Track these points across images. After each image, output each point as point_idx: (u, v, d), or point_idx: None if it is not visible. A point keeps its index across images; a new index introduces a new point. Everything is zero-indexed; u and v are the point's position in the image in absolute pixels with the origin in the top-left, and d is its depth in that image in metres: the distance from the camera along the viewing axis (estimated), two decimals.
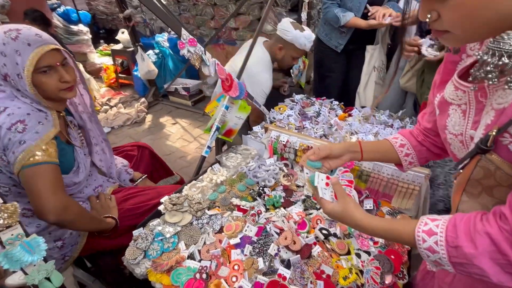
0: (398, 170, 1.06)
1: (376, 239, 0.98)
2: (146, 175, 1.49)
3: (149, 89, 3.90)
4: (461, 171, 0.59)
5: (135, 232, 1.01)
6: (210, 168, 1.28)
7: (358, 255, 0.93)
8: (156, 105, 3.92)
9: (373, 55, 1.89)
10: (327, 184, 0.73)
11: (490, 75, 0.48)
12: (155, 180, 1.59)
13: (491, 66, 0.48)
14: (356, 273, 0.86)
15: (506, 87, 0.48)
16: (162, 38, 4.00)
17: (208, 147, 1.37)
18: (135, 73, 3.80)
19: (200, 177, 1.28)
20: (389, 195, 1.13)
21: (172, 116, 3.68)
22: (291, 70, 2.46)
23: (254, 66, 1.66)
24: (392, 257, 0.91)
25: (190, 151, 2.96)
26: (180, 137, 3.21)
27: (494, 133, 0.50)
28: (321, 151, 0.79)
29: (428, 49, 1.35)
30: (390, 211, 1.09)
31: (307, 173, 0.78)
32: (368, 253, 0.94)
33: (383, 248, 0.96)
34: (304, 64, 2.48)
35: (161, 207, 1.09)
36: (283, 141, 1.32)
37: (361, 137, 1.41)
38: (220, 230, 1.03)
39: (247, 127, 1.68)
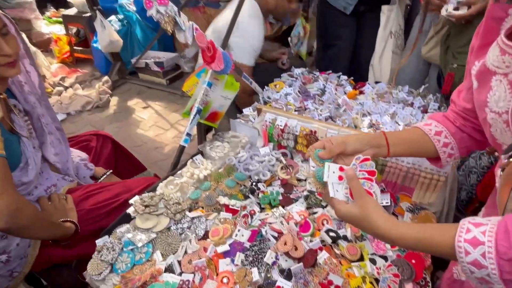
0: (420, 158, 1.06)
1: None
2: (111, 170, 1.46)
3: (112, 65, 3.80)
4: (511, 160, 0.57)
5: (99, 242, 0.99)
6: (190, 160, 1.25)
7: (373, 261, 0.93)
8: (122, 85, 3.84)
9: (389, 18, 1.86)
10: (340, 178, 0.68)
11: None
12: (122, 177, 1.56)
13: None
14: (371, 282, 0.87)
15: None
16: (127, 0, 3.86)
17: (188, 134, 1.34)
18: (95, 45, 3.69)
19: (179, 171, 1.26)
20: (409, 188, 1.13)
21: (143, 98, 3.61)
22: (289, 38, 2.42)
23: (239, 17, 1.61)
24: (413, 261, 0.91)
25: (166, 141, 2.92)
26: (154, 124, 3.16)
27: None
28: (334, 147, 0.75)
29: (449, 7, 1.30)
30: (410, 207, 1.10)
31: (313, 167, 0.74)
32: (385, 258, 0.94)
33: (402, 251, 0.96)
34: (304, 30, 2.43)
35: (130, 210, 1.07)
36: (281, 126, 1.30)
37: (375, 119, 1.40)
38: (205, 236, 1.02)
39: (236, 109, 1.65)
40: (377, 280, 0.88)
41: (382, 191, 1.14)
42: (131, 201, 1.09)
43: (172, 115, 3.28)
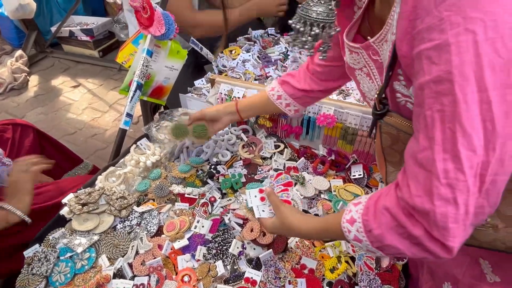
0: None
1: None
2: None
3: (26, 36, 3.47)
4: (375, 140, 0.73)
5: (28, 253, 0.94)
6: (134, 146, 1.20)
7: None
8: (42, 60, 3.57)
9: None
10: (262, 199, 0.88)
11: (307, 46, 0.61)
12: (54, 174, 1.48)
13: (306, 35, 0.61)
14: (346, 261, 0.91)
15: (320, 57, 0.68)
16: None
17: (128, 115, 1.28)
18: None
19: (121, 160, 1.20)
20: None
21: (72, 75, 3.39)
22: None
23: None
24: None
25: (105, 125, 2.80)
26: (88, 106, 3.01)
27: (376, 95, 0.64)
28: (195, 114, 1.11)
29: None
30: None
31: (245, 200, 1.02)
32: None
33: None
34: None
35: (64, 211, 1.02)
36: (239, 98, 1.28)
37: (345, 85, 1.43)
38: (159, 232, 1.00)
39: (189, 79, 1.59)
40: (353, 259, 0.93)
41: (355, 163, 1.18)
42: (64, 200, 1.03)
43: (110, 94, 3.12)
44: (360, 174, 1.13)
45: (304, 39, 0.61)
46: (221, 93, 1.32)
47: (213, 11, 1.67)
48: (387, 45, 0.60)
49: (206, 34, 1.65)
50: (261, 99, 1.08)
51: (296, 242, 0.96)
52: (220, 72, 1.58)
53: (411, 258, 0.83)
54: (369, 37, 0.64)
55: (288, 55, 1.65)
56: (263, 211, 0.86)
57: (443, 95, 0.45)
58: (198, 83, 1.56)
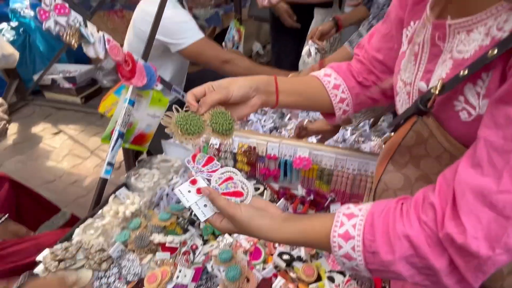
0: (365, 163, 1.15)
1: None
2: (6, 215, 1.33)
3: (8, 85, 3.46)
4: (392, 134, 0.65)
5: None
6: (113, 196, 1.18)
7: (331, 279, 0.97)
8: (23, 107, 3.54)
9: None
10: (198, 191, 0.66)
11: None
12: (30, 225, 1.42)
13: None
14: None
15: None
16: (22, 4, 3.55)
17: (109, 164, 1.27)
18: None
19: (99, 211, 1.18)
20: (359, 195, 1.21)
21: (53, 122, 3.37)
22: (223, 43, 2.45)
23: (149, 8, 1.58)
24: None
25: (86, 172, 2.76)
26: (69, 153, 2.97)
27: (437, 92, 0.53)
28: (214, 94, 0.66)
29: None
30: None
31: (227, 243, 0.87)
32: (343, 273, 0.99)
33: None
34: (239, 33, 2.50)
35: (38, 269, 0.97)
36: (216, 144, 1.30)
37: None
38: (139, 284, 0.96)
39: None
40: None
41: (333, 201, 1.20)
42: (39, 258, 0.99)
43: (92, 140, 3.10)
44: None
45: None
46: (203, 141, 1.34)
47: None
48: (470, 38, 0.50)
49: (237, 74, 1.71)
50: (309, 85, 0.81)
51: (280, 286, 0.94)
52: None
53: None
54: (449, 17, 0.53)
55: None
56: (204, 206, 0.66)
57: None
58: None
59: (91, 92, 3.59)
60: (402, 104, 0.68)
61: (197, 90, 0.67)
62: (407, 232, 0.50)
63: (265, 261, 1.02)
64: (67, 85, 3.44)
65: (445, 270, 0.48)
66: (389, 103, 0.86)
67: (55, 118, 3.43)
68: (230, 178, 0.70)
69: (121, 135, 1.32)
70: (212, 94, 0.66)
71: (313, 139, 1.41)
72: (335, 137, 1.42)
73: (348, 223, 0.56)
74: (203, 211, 0.66)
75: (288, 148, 1.21)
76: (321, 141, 1.35)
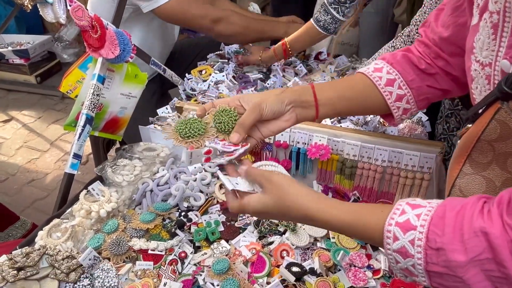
0: (398, 153, 1.18)
1: (376, 266, 1.08)
2: None
3: None
4: (469, 126, 0.66)
5: None
6: (84, 192, 1.23)
7: None
8: None
9: None
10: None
11: None
12: None
13: None
14: None
15: None
16: None
17: (76, 156, 1.31)
18: None
19: (68, 210, 1.22)
20: (389, 193, 1.24)
21: (2, 107, 3.42)
22: None
23: None
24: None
25: (46, 168, 2.82)
26: (23, 145, 3.03)
27: None
28: (247, 116, 0.77)
29: None
30: None
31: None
32: None
33: (388, 278, 1.05)
34: None
35: None
36: None
37: None
38: None
39: (153, 109, 1.65)
40: None
41: (355, 201, 1.24)
42: None
43: (51, 129, 3.16)
44: None
45: None
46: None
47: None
48: None
49: (232, 34, 1.76)
50: (355, 85, 0.85)
51: None
52: (189, 97, 1.64)
53: None
54: None
55: (270, 74, 1.75)
56: (236, 183, 0.72)
57: None
58: (162, 111, 1.62)
59: (48, 68, 3.63)
60: (480, 91, 0.68)
61: (207, 104, 0.81)
62: (486, 229, 0.50)
63: (269, 274, 1.05)
64: (17, 60, 3.48)
65: None
66: (463, 93, 0.86)
67: (4, 102, 3.48)
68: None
69: (89, 120, 1.34)
70: (248, 115, 0.77)
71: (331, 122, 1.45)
72: (354, 119, 1.45)
73: (411, 212, 0.57)
74: (234, 185, 0.72)
75: (302, 133, 1.24)
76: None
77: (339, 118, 1.52)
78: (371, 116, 1.51)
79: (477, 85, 0.69)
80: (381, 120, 1.48)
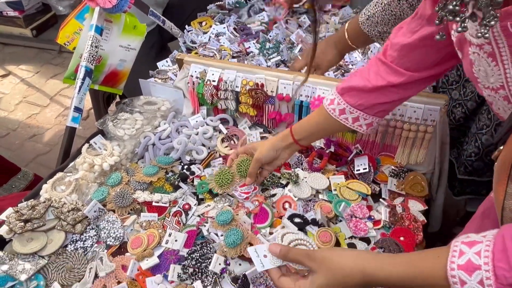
0: (402, 106, 1.17)
1: (377, 217, 1.09)
2: None
3: None
4: (501, 148, 0.66)
5: None
6: (86, 145, 1.23)
7: (352, 246, 1.02)
8: None
9: None
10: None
11: (458, 17, 0.55)
12: None
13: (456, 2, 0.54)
14: None
15: (479, 34, 0.54)
16: None
17: (77, 109, 1.30)
18: None
19: (71, 164, 1.22)
20: (392, 147, 1.24)
21: None
22: None
23: None
24: (402, 238, 1.03)
25: (46, 123, 2.81)
26: (23, 100, 3.01)
27: None
28: (252, 169, 1.11)
29: None
30: (394, 170, 1.21)
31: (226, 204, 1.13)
32: (367, 239, 1.05)
33: (388, 228, 1.08)
34: None
35: (2, 230, 1.03)
36: (213, 81, 1.32)
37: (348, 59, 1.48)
38: (122, 249, 1.03)
39: (153, 62, 1.63)
40: None
41: (358, 155, 1.24)
42: (1, 217, 1.05)
43: (50, 84, 3.12)
44: (365, 168, 1.19)
45: (451, 7, 0.54)
46: (192, 76, 1.35)
47: None
48: None
49: None
50: (320, 118, 1.04)
51: None
52: (189, 50, 1.61)
53: None
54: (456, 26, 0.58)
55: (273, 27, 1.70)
56: (264, 256, 0.76)
57: None
58: (162, 65, 1.59)
59: (43, 21, 3.52)
60: (504, 110, 0.70)
61: (232, 154, 1.19)
62: None
63: (272, 225, 1.08)
64: (11, 12, 3.38)
65: None
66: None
67: (0, 56, 3.43)
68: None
69: (88, 73, 1.32)
70: (252, 167, 1.11)
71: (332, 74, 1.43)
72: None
73: (469, 251, 0.55)
74: (262, 261, 0.74)
75: (305, 86, 1.22)
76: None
77: (343, 71, 1.50)
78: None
79: (498, 107, 0.71)
80: None
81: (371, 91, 0.93)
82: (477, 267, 0.53)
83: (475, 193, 1.43)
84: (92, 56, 1.31)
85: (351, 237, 1.05)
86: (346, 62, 1.51)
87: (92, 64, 1.32)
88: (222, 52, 1.54)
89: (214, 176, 1.14)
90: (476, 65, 0.68)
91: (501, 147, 0.67)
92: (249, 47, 1.56)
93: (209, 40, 1.60)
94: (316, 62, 1.31)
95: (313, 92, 1.23)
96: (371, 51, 1.55)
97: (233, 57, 1.53)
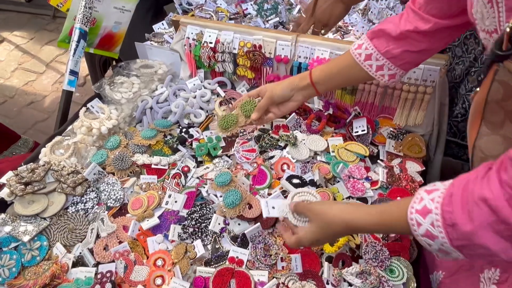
0: None
1: (374, 178, 1.10)
2: None
3: None
4: (477, 89, 0.68)
5: None
6: (84, 109, 1.22)
7: None
8: None
9: None
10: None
11: None
12: None
13: None
14: None
15: None
16: None
17: (72, 72, 1.29)
18: None
19: (69, 127, 1.22)
20: (390, 108, 1.24)
21: None
22: None
23: None
24: (399, 198, 1.04)
25: (43, 90, 2.79)
26: (18, 67, 2.97)
27: (508, 29, 0.57)
28: (262, 103, 1.05)
29: None
30: (392, 132, 1.21)
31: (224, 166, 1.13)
32: (364, 200, 1.06)
33: (385, 189, 1.09)
34: None
35: (3, 193, 1.04)
36: (210, 43, 1.30)
37: (347, 20, 1.45)
38: (122, 210, 1.05)
39: (149, 26, 1.60)
40: None
41: (357, 117, 1.23)
42: (2, 180, 1.05)
43: (45, 50, 3.07)
44: (364, 130, 1.19)
45: None
46: (188, 38, 1.33)
47: None
48: None
49: None
50: (343, 63, 1.01)
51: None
52: (185, 12, 1.58)
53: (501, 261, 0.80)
54: None
55: None
56: (273, 207, 0.87)
57: None
58: (158, 27, 1.56)
59: None
60: None
61: (252, 92, 1.11)
62: (484, 195, 0.54)
63: (270, 186, 1.09)
64: None
65: None
66: (443, 48, 0.96)
67: None
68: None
69: (82, 35, 1.30)
70: (262, 101, 1.06)
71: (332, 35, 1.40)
72: (357, 34, 1.39)
73: (427, 197, 0.62)
74: (270, 211, 0.87)
75: (303, 47, 1.21)
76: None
77: (343, 32, 1.47)
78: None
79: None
80: None
81: (399, 38, 0.91)
82: (429, 211, 0.60)
83: (455, 157, 1.44)
84: (86, 18, 1.28)
85: (348, 198, 1.06)
86: (346, 23, 1.48)
87: (86, 26, 1.29)
88: (219, 13, 1.51)
89: (218, 121, 1.11)
90: (475, 5, 0.68)
91: (477, 89, 0.69)
92: (247, 8, 1.53)
93: (205, 1, 1.57)
94: (324, 20, 1.28)
95: (312, 53, 1.22)
96: (371, 12, 1.52)
97: (230, 19, 1.50)
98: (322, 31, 1.29)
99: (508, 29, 0.57)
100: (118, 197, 1.06)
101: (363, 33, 1.43)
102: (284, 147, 1.17)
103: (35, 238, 0.99)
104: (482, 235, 0.54)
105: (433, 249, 0.63)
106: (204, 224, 1.00)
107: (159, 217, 1.02)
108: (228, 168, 1.12)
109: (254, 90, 1.10)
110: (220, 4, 1.54)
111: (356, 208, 0.77)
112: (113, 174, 1.12)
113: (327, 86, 1.05)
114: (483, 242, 0.55)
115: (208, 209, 1.03)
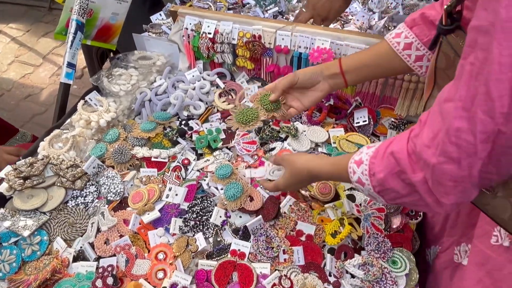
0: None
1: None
2: None
3: None
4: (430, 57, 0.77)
5: None
6: (82, 102, 1.21)
7: (351, 198, 1.03)
8: None
9: None
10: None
11: None
12: None
13: None
14: (351, 224, 0.97)
15: None
16: None
17: (70, 65, 1.28)
18: None
19: (68, 121, 1.22)
20: (392, 99, 1.23)
21: None
22: None
23: None
24: None
25: (41, 83, 2.77)
26: (15, 60, 2.95)
27: (446, 6, 0.64)
28: (282, 80, 0.98)
29: None
30: (394, 122, 1.20)
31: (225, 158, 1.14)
32: None
33: None
34: None
35: (1, 187, 1.04)
36: (209, 33, 1.29)
37: (347, 9, 1.43)
38: (123, 204, 1.04)
39: (146, 17, 1.58)
40: (358, 220, 0.99)
41: (358, 107, 1.22)
42: (0, 174, 1.05)
43: (42, 42, 3.05)
44: (365, 121, 1.18)
45: None
46: (187, 29, 1.32)
47: None
48: None
49: None
50: (378, 52, 0.96)
51: (291, 206, 1.02)
52: (183, 2, 1.56)
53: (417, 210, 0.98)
54: None
55: None
56: (255, 173, 0.99)
57: (480, 49, 0.49)
58: (155, 18, 1.55)
59: None
60: None
61: (254, 94, 1.05)
62: (393, 149, 0.64)
63: None
64: None
65: (422, 185, 0.61)
66: None
67: None
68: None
69: (79, 27, 1.29)
70: (282, 79, 0.99)
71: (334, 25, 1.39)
72: (357, 23, 1.38)
73: (365, 151, 0.72)
74: (251, 173, 1.04)
75: (303, 37, 1.19)
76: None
77: (343, 22, 1.45)
78: (376, 19, 1.44)
79: None
80: (386, 24, 1.42)
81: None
82: (362, 162, 0.70)
83: None
84: (83, 9, 1.27)
85: (350, 189, 1.06)
86: (346, 12, 1.46)
87: (83, 18, 1.28)
88: (218, 3, 1.50)
89: (235, 114, 1.03)
90: None
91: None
92: None
93: None
94: (323, 13, 1.27)
95: (312, 44, 1.20)
96: (372, 1, 1.50)
97: (229, 9, 1.49)
98: (322, 26, 1.28)
99: (446, 7, 0.67)
100: (118, 191, 1.06)
101: (363, 22, 1.41)
102: (285, 139, 1.17)
103: (35, 232, 0.98)
104: (391, 181, 0.65)
105: (365, 194, 0.74)
106: (206, 217, 1.00)
107: (159, 211, 1.01)
108: (228, 161, 1.11)
109: (270, 84, 1.02)
110: None
111: (318, 158, 0.89)
112: (113, 167, 1.11)
113: (358, 76, 0.99)
114: (392, 186, 0.65)
115: (209, 202, 1.03)
